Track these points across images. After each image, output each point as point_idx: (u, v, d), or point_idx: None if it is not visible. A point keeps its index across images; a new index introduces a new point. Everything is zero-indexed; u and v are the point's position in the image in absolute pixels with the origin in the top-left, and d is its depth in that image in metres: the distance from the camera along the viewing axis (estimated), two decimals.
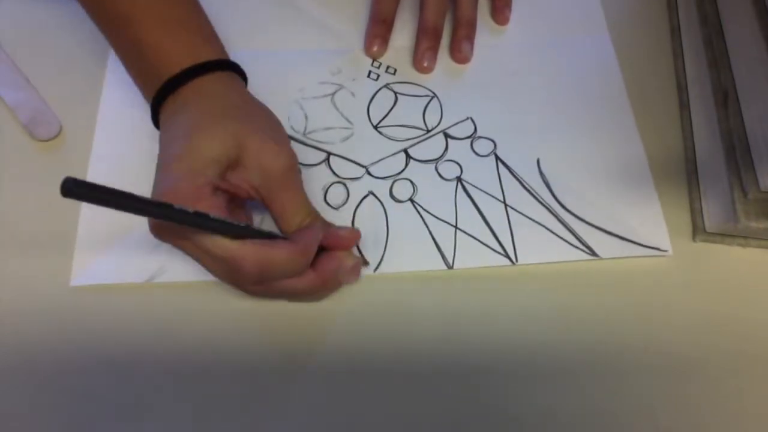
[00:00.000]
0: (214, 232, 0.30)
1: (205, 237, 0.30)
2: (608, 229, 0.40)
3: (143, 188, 0.41)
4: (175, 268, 0.38)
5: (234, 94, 0.36)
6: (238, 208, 0.36)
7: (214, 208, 0.31)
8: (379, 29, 0.47)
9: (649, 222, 0.40)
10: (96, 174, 0.42)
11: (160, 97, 0.35)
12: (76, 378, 0.36)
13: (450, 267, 0.39)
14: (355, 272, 0.36)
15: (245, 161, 0.33)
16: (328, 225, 0.37)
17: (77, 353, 0.36)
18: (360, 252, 0.39)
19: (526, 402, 0.36)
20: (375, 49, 0.47)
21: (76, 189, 0.24)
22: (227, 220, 0.30)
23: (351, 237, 0.36)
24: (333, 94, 0.45)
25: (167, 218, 0.28)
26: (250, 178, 0.33)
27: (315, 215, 0.36)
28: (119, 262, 0.38)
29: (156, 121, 0.37)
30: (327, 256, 0.34)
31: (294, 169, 0.35)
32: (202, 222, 0.29)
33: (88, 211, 0.40)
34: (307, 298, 0.37)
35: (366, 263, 0.39)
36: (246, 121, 0.34)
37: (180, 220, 0.28)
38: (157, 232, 0.32)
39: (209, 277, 0.38)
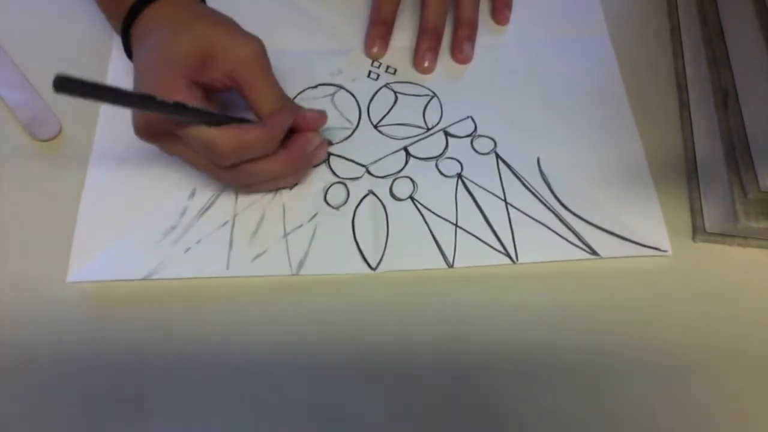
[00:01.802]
0: (192, 120, 0.33)
1: (186, 128, 0.34)
2: (608, 229, 0.40)
3: (144, 187, 0.41)
4: (174, 266, 0.38)
5: (197, 7, 0.38)
6: (215, 104, 0.38)
7: (191, 100, 0.34)
8: (379, 30, 0.47)
9: (648, 222, 0.40)
10: (96, 174, 0.42)
11: (128, 22, 0.38)
12: (74, 377, 0.36)
13: (450, 266, 0.39)
14: (321, 149, 0.41)
15: (217, 52, 0.35)
16: (299, 109, 0.39)
17: (75, 351, 0.36)
18: (359, 247, 0.39)
19: (526, 401, 0.36)
20: (375, 50, 0.47)
21: (67, 84, 0.27)
22: (204, 108, 0.34)
23: (318, 117, 0.39)
24: (333, 94, 0.45)
25: (150, 109, 0.31)
26: (223, 67, 0.36)
27: (286, 100, 0.38)
28: (116, 259, 0.38)
29: (129, 51, 0.39)
30: (296, 136, 0.38)
31: (263, 55, 0.37)
32: (181, 110, 0.32)
33: (87, 207, 0.40)
34: (285, 182, 0.40)
35: (330, 143, 0.43)
36: (212, 22, 0.36)
37: (161, 110, 0.31)
38: (143, 133, 0.35)
39: (209, 274, 0.38)
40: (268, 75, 0.37)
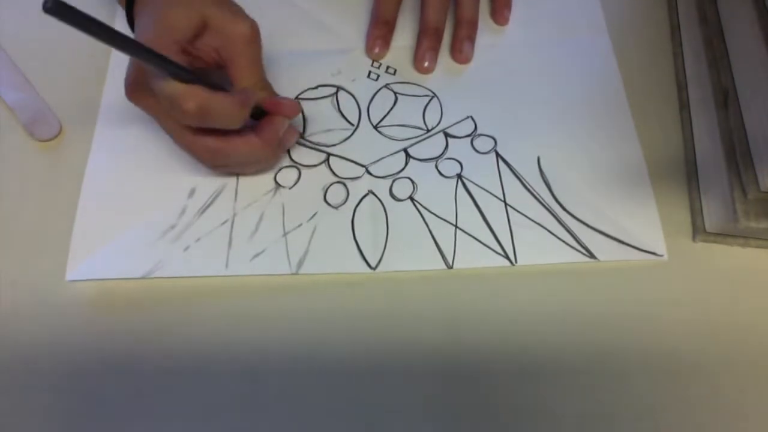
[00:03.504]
0: (169, 73, 0.33)
1: (161, 80, 0.34)
2: (606, 232, 0.40)
3: (143, 186, 0.41)
4: (173, 264, 0.38)
5: None
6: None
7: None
8: (380, 31, 0.47)
9: (645, 225, 0.40)
10: (96, 174, 0.42)
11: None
12: (73, 376, 0.36)
13: (450, 267, 0.39)
14: (291, 134, 0.41)
15: (211, 25, 0.36)
16: (274, 94, 0.40)
17: (75, 351, 0.36)
18: (358, 246, 0.39)
19: (525, 402, 0.36)
20: (377, 50, 0.47)
21: (57, 8, 0.26)
22: (182, 65, 0.34)
23: (291, 105, 0.39)
24: (332, 95, 0.45)
25: (132, 52, 0.31)
26: (213, 41, 0.37)
27: (265, 83, 0.39)
28: (116, 258, 0.38)
29: (131, 23, 0.39)
30: (267, 118, 0.39)
31: (254, 40, 0.37)
32: (159, 60, 0.32)
33: (86, 206, 0.40)
34: (258, 166, 0.41)
35: (301, 135, 0.44)
36: None
37: (143, 56, 0.31)
38: (131, 90, 0.36)
39: (208, 273, 0.38)
40: (254, 56, 0.38)
